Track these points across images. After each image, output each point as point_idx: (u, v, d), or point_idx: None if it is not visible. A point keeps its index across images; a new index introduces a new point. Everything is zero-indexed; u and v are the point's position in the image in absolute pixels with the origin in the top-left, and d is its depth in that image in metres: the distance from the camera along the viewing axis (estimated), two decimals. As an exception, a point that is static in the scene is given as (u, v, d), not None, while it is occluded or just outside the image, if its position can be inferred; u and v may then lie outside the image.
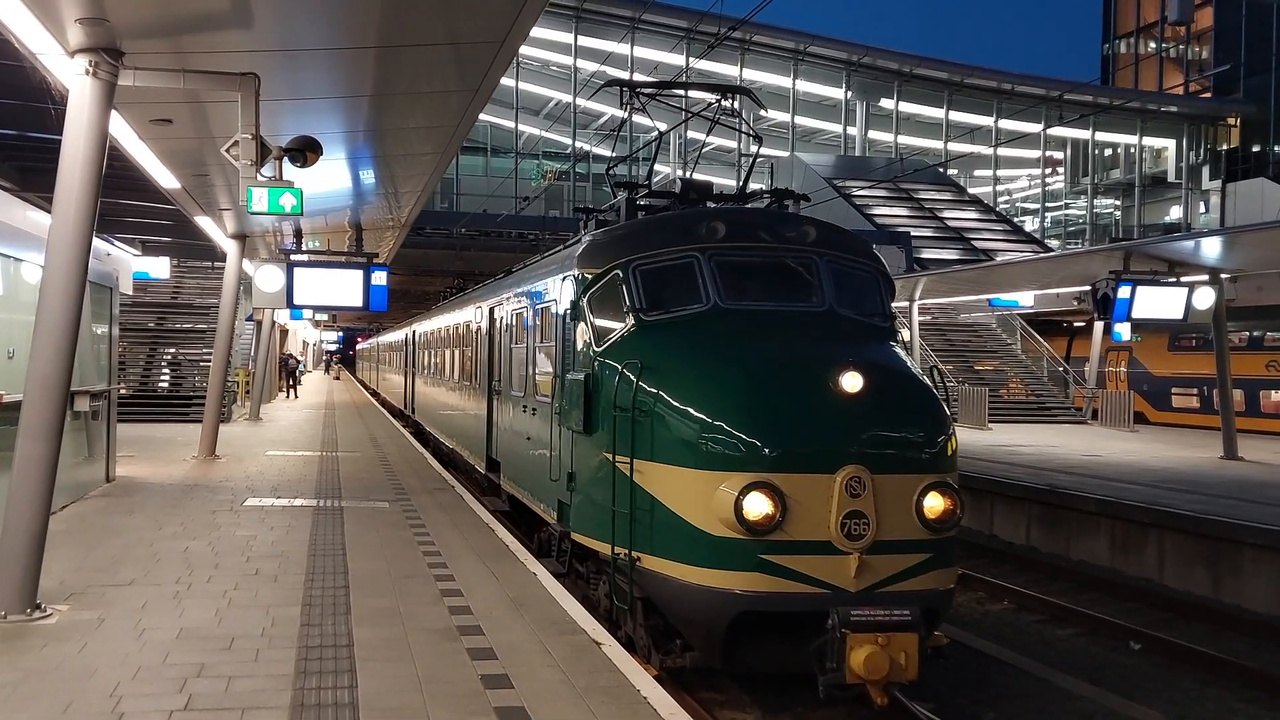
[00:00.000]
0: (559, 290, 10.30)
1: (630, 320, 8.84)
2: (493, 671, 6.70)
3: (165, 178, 14.59)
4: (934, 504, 7.80)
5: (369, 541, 10.99)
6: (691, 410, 7.92)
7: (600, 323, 9.17)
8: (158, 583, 8.94)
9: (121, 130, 11.55)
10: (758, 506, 7.43)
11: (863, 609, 7.41)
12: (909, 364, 8.72)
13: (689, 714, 6.16)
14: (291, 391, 44.63)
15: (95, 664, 6.68)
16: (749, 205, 11.36)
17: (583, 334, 9.38)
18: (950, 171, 57.94)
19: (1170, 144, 66.18)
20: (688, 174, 15.74)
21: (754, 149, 11.96)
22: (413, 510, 13.24)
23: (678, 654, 8.32)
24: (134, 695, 6.12)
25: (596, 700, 6.22)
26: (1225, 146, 64.91)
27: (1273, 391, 30.72)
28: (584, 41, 46.61)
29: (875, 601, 7.49)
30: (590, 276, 9.40)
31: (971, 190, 57.98)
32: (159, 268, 24.97)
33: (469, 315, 17.88)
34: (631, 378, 8.28)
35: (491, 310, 15.11)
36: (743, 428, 7.69)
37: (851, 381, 7.68)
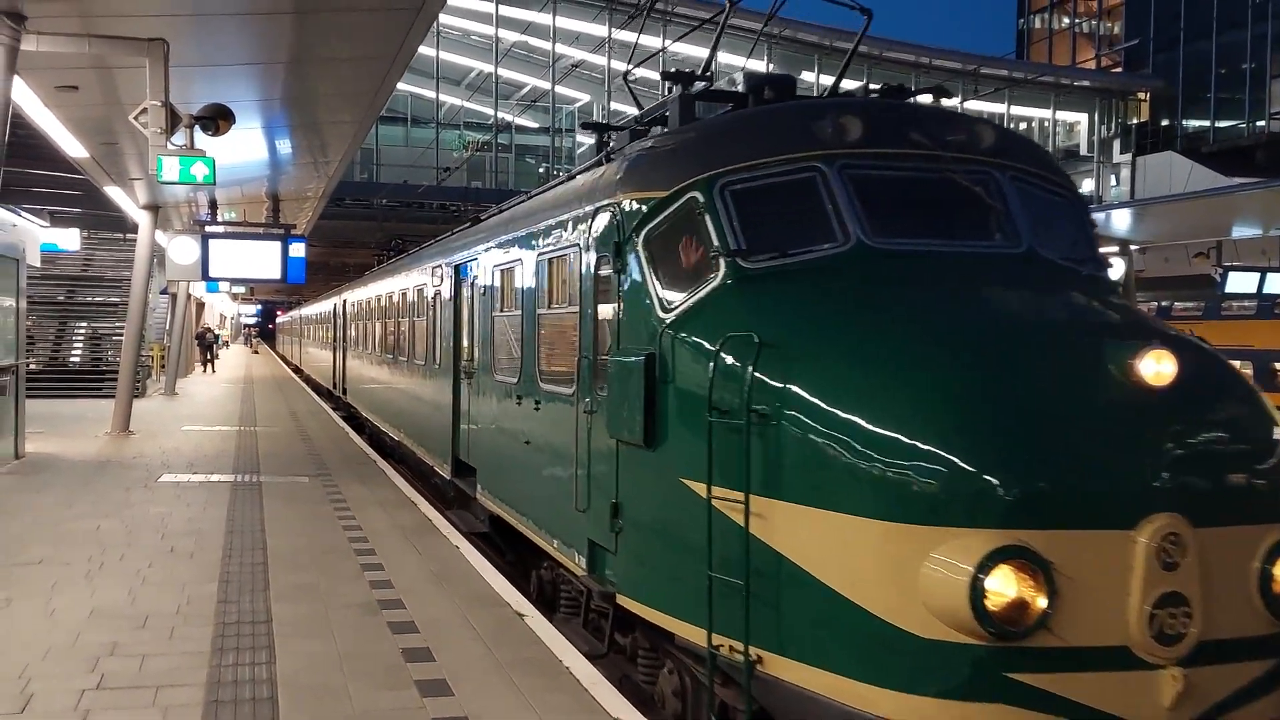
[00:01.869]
0: (583, 231, 7.33)
1: (721, 270, 5.77)
2: (414, 645, 6.67)
3: (73, 146, 14.18)
4: None
5: (289, 517, 10.85)
6: (868, 417, 4.80)
7: (666, 275, 6.19)
8: (68, 562, 8.74)
9: (25, 96, 11.19)
10: (1006, 589, 4.42)
11: None
12: (1199, 340, 5.88)
13: (611, 685, 6.20)
14: (209, 366, 43.77)
15: (2, 645, 6.51)
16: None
17: (634, 293, 6.42)
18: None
19: (1083, 118, 67.63)
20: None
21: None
22: (334, 485, 13.09)
23: None
24: (43, 676, 5.98)
25: (520, 673, 6.24)
26: (1135, 121, 66.54)
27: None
28: (505, 11, 46.07)
29: None
30: (645, 206, 6.40)
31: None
32: (68, 239, 24.29)
33: (422, 278, 14.63)
34: (738, 363, 5.31)
35: (458, 270, 12.01)
36: (974, 449, 4.60)
37: (1157, 369, 4.69)
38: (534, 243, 8.65)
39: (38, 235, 19.80)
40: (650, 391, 6.01)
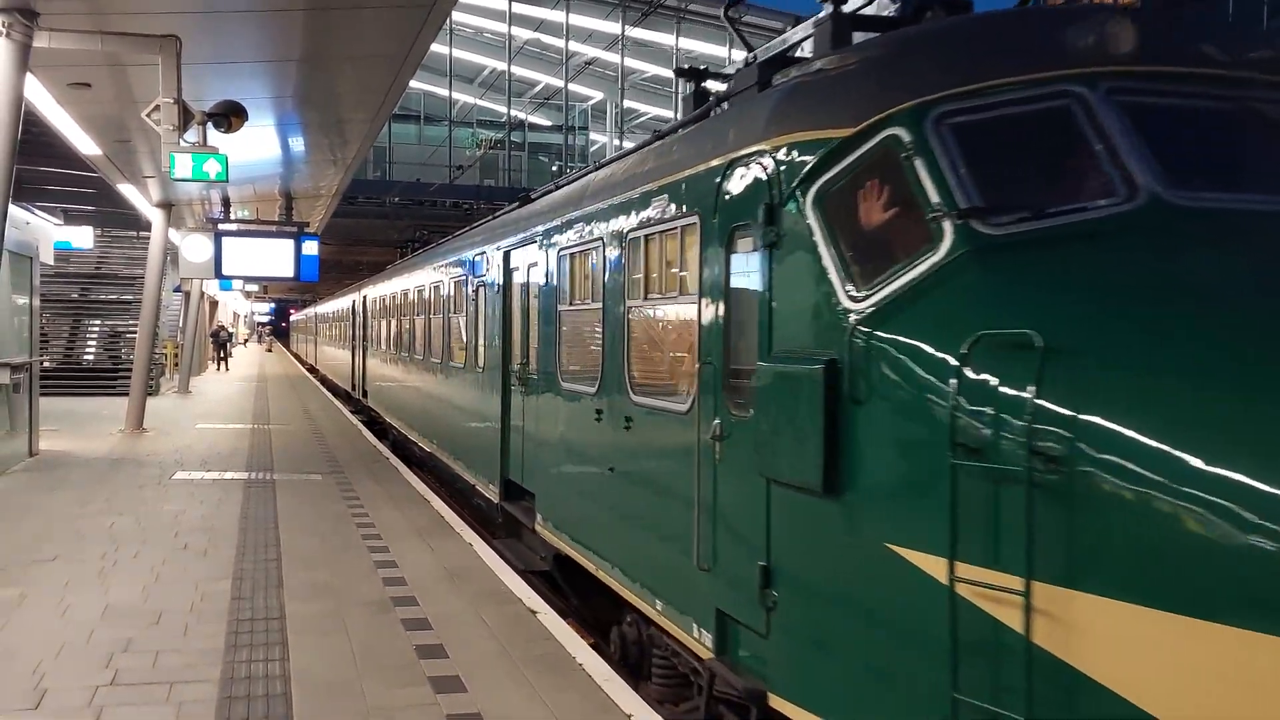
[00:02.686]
0: (704, 195, 5.67)
1: (948, 237, 4.06)
2: (428, 642, 6.65)
3: (86, 144, 14.20)
4: None
5: (302, 515, 10.85)
6: (1259, 467, 2.96)
7: (853, 247, 4.49)
8: (82, 559, 8.74)
9: (38, 94, 11.20)
10: None
11: None
12: None
13: (624, 680, 6.17)
14: (223, 364, 43.92)
15: (16, 642, 6.51)
16: None
17: (798, 275, 4.73)
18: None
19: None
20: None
21: None
22: (347, 483, 13.09)
23: None
24: (57, 673, 5.97)
25: (533, 669, 6.20)
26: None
27: None
28: (519, 9, 46.05)
29: None
30: (815, 152, 4.69)
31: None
32: (82, 237, 24.41)
33: (458, 270, 12.97)
34: (1004, 378, 3.61)
35: (507, 257, 10.41)
36: None
37: None
38: (620, 218, 6.96)
39: (51, 233, 19.91)
40: (832, 414, 4.29)
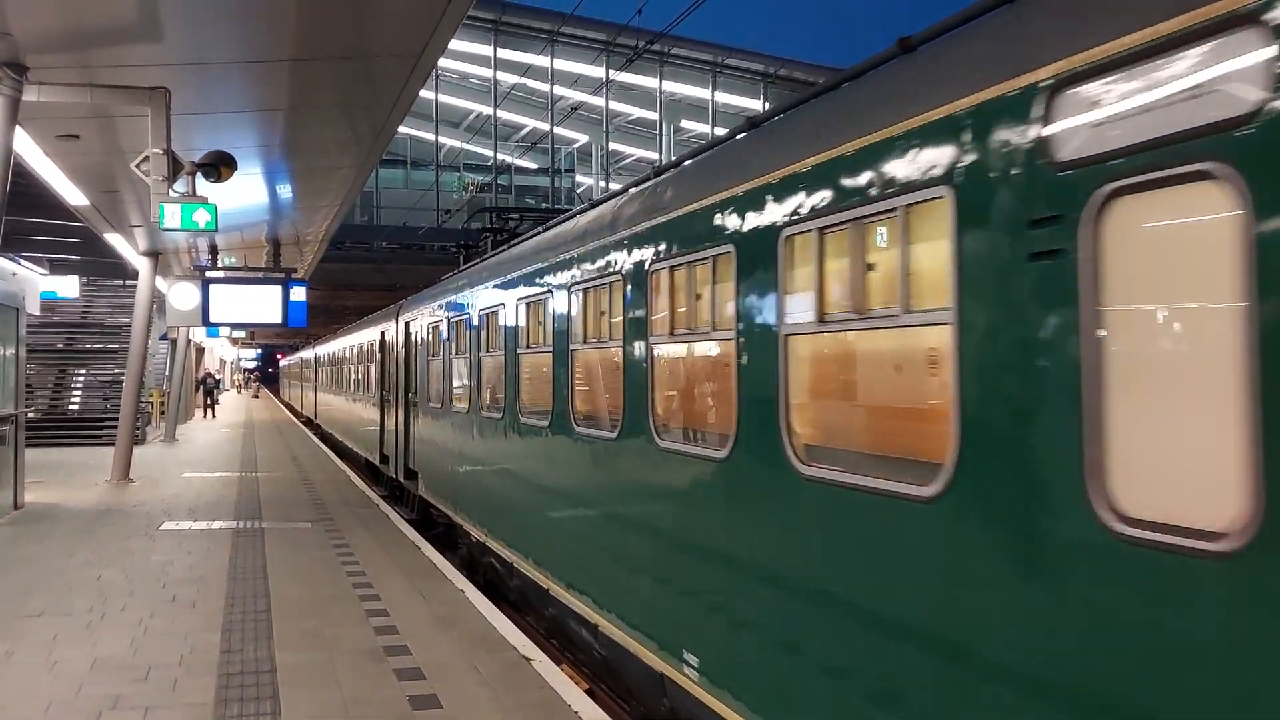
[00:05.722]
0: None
1: None
2: (421, 691, 6.59)
3: (73, 194, 14.21)
4: None
5: (292, 563, 10.77)
6: None
7: None
8: (69, 612, 8.65)
9: (26, 146, 11.22)
10: None
11: None
12: None
13: (620, 728, 6.10)
14: (210, 411, 43.74)
15: (4, 699, 6.43)
16: None
17: None
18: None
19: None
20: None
21: None
22: (336, 530, 13.01)
23: None
24: (46, 730, 5.90)
25: (527, 717, 6.15)
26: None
27: None
28: (504, 54, 46.44)
29: None
30: None
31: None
32: (68, 287, 24.35)
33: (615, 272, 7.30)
34: None
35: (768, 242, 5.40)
36: None
37: None
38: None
39: (37, 283, 19.83)
40: None
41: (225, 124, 11.62)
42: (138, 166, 9.14)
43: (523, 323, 9.72)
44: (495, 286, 10.83)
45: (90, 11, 7.97)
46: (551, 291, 8.56)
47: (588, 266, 7.63)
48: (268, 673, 6.99)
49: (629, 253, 6.81)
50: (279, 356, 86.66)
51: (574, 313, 8.04)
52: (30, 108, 9.02)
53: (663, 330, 6.41)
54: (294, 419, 44.33)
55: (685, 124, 50.19)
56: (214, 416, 42.96)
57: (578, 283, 7.89)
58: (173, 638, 7.86)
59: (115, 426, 20.54)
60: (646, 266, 6.54)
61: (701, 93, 54.23)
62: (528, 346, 9.62)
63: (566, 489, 8.34)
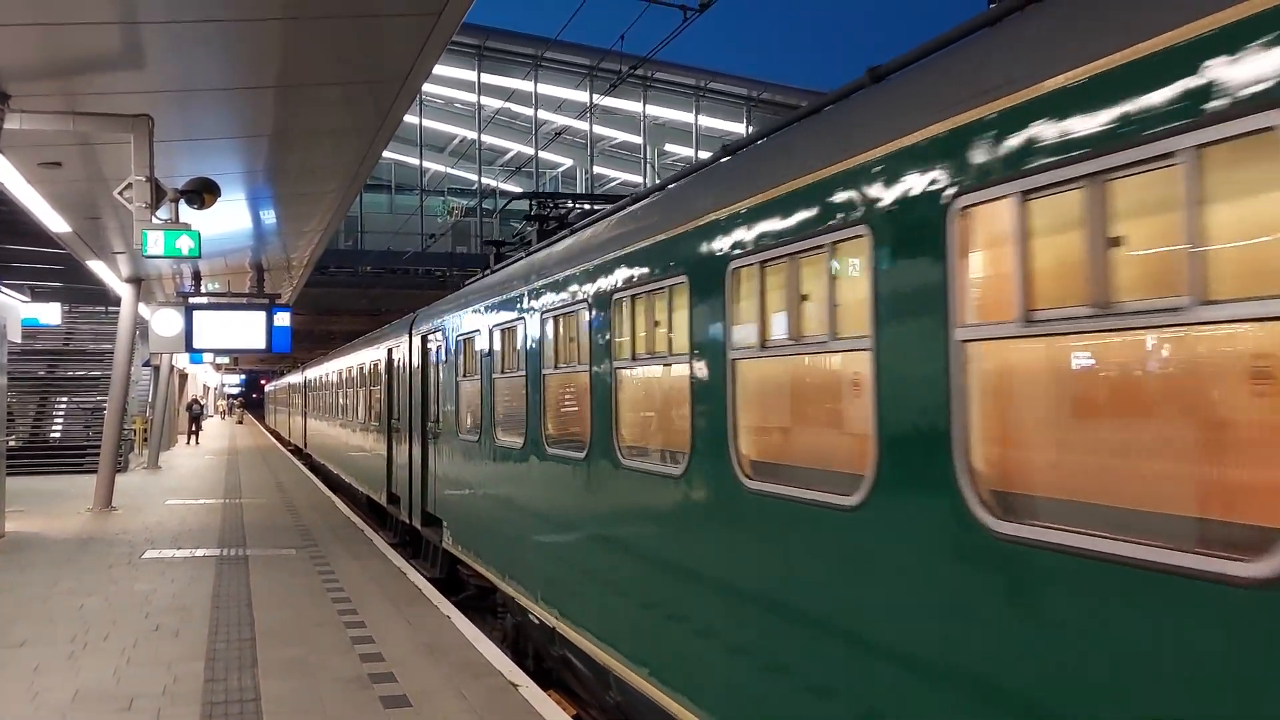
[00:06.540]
0: None
1: None
2: (407, 719, 6.55)
3: (55, 222, 14.16)
4: None
5: (276, 591, 10.70)
6: None
7: None
8: (52, 642, 8.57)
9: (8, 174, 11.18)
10: None
11: None
12: None
13: (608, 754, 6.04)
14: (194, 437, 43.52)
15: (-15, 731, 6.38)
16: None
17: None
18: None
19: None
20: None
21: None
22: (321, 556, 12.94)
23: None
24: (27, 763, 5.84)
25: (513, 745, 6.12)
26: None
27: None
28: (487, 79, 46.59)
29: None
30: None
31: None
32: (49, 314, 24.24)
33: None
34: None
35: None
36: None
37: None
38: None
39: (18, 310, 19.74)
40: None
41: (209, 150, 11.61)
42: (120, 193, 9.12)
43: (624, 327, 6.77)
44: (569, 277, 7.85)
45: (73, 40, 7.97)
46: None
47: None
48: (252, 701, 6.94)
49: None
50: (263, 382, 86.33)
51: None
52: (12, 135, 9.00)
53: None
54: (279, 445, 44.11)
55: (670, 148, 50.38)
56: (198, 443, 42.75)
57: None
58: (156, 667, 7.80)
59: (98, 454, 20.41)
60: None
61: (685, 117, 54.51)
62: (634, 358, 6.68)
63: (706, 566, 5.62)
